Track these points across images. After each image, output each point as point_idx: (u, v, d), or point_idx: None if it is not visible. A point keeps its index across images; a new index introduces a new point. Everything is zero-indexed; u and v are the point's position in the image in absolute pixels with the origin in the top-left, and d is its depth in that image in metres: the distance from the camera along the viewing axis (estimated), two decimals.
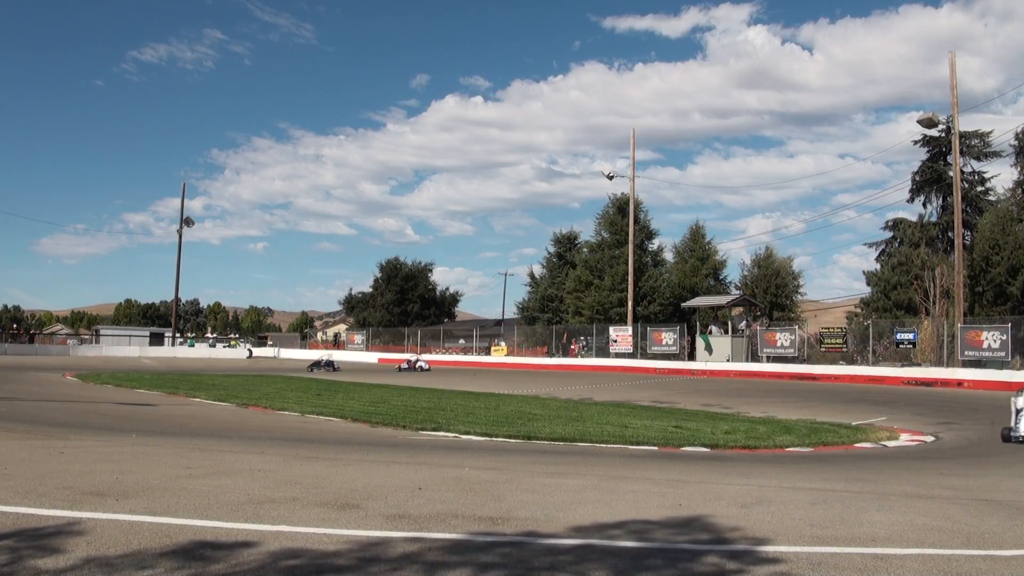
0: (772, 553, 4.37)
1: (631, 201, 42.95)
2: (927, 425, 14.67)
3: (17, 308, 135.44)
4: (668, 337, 38.29)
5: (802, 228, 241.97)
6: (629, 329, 39.84)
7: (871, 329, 33.19)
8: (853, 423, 14.53)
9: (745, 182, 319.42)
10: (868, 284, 42.02)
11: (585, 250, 49.32)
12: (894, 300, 38.56)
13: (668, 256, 48.03)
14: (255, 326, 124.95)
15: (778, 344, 34.57)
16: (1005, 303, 34.83)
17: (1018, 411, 12.20)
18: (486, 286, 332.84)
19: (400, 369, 36.13)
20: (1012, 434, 11.97)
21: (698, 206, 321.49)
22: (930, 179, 41.96)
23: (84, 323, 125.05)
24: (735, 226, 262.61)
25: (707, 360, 35.66)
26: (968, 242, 37.39)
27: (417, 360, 37.29)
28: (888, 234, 44.83)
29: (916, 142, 41.99)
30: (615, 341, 39.91)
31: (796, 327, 35.51)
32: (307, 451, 8.93)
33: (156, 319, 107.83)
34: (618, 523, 5.08)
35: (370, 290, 67.89)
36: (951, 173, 35.40)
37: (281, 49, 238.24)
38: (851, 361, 32.94)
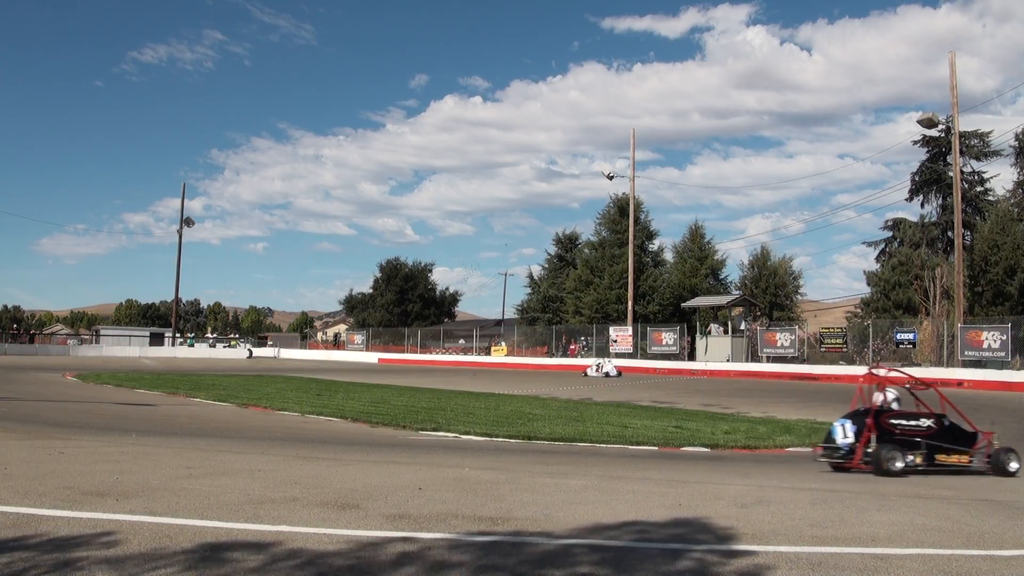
0: (772, 553, 4.37)
1: (631, 201, 42.94)
2: None
3: (17, 308, 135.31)
4: (668, 337, 38.28)
5: (801, 228, 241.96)
6: (629, 329, 39.83)
7: (871, 329, 33.18)
8: None
9: (744, 182, 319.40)
10: (868, 284, 42.04)
11: (586, 250, 49.34)
12: (894, 300, 38.56)
13: (668, 256, 48.10)
14: (255, 326, 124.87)
15: (778, 344, 34.56)
16: (1005, 303, 34.84)
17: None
18: (486, 286, 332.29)
19: None
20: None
21: (697, 206, 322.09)
22: (930, 179, 41.97)
23: (84, 323, 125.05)
24: (735, 226, 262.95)
25: (707, 360, 35.65)
26: (968, 242, 37.39)
27: None
28: (888, 234, 44.88)
29: (916, 142, 42.02)
30: (615, 341, 39.90)
31: (796, 327, 35.50)
32: (307, 451, 8.93)
33: (156, 319, 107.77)
34: (618, 523, 5.08)
35: (370, 290, 67.90)
36: (951, 173, 35.41)
37: (281, 50, 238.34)
38: (851, 361, 32.93)
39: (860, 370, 30.55)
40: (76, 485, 5.97)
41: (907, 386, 9.26)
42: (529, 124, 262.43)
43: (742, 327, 36.70)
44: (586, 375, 30.49)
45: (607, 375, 29.66)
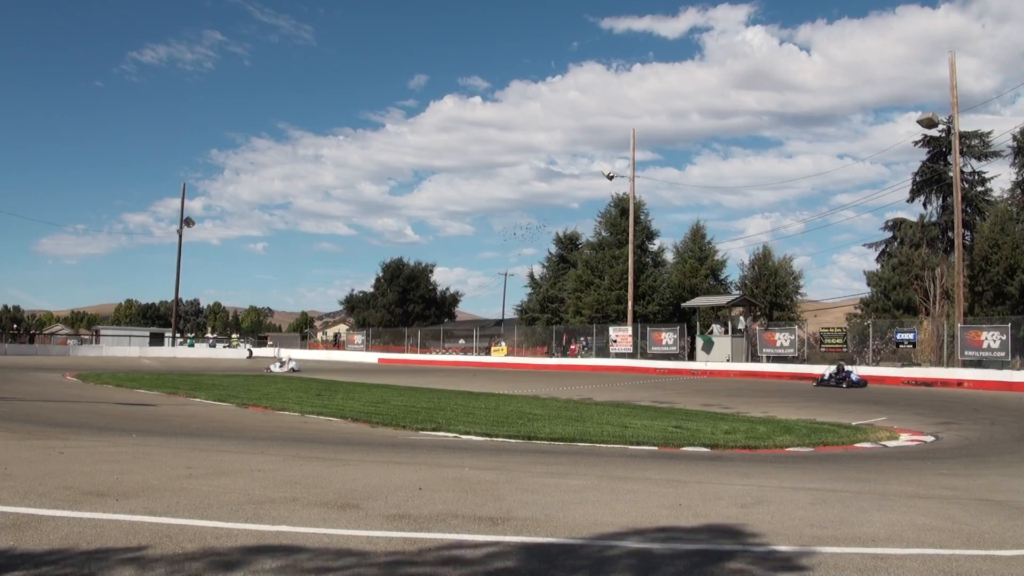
0: (772, 553, 4.37)
1: (631, 201, 42.95)
2: (927, 425, 14.66)
3: (17, 308, 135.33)
4: (668, 337, 38.29)
5: (801, 228, 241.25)
6: (629, 329, 39.82)
7: (871, 329, 33.18)
8: (853, 423, 14.52)
9: (744, 182, 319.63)
10: (868, 284, 42.03)
11: (586, 251, 49.34)
12: (894, 300, 38.55)
13: (668, 256, 48.11)
14: (255, 326, 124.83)
15: (778, 344, 34.55)
16: (1005, 303, 34.83)
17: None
18: (486, 286, 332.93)
19: None
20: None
21: (697, 206, 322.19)
22: (930, 179, 41.94)
23: (84, 323, 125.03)
24: (734, 226, 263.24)
25: (707, 360, 35.64)
26: (968, 242, 37.37)
27: None
28: (888, 234, 44.84)
29: (916, 142, 41.97)
30: (615, 341, 39.90)
31: (796, 327, 35.49)
32: (307, 451, 8.93)
33: (156, 319, 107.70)
34: (618, 523, 5.08)
35: (371, 290, 67.92)
36: (951, 173, 35.39)
37: (280, 50, 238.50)
38: (851, 361, 32.91)
39: (860, 370, 30.65)
40: (76, 485, 5.97)
41: None
42: (529, 124, 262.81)
43: (741, 327, 36.70)
44: (269, 371, 34.46)
45: (292, 371, 34.54)
